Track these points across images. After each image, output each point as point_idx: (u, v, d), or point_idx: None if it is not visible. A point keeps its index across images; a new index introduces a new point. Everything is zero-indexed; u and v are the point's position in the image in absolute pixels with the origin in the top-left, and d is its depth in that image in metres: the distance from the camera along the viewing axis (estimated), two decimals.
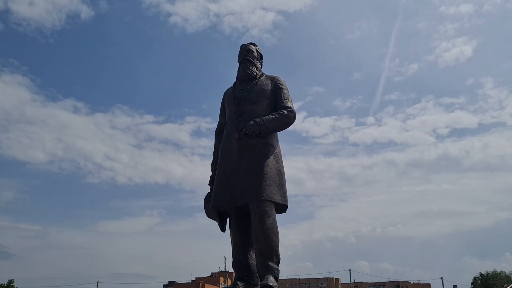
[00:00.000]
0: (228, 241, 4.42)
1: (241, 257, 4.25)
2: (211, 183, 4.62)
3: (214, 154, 4.77)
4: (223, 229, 4.46)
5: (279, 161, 4.36)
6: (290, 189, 4.36)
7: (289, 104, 4.48)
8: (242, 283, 4.08)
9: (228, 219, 4.47)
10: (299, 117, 4.55)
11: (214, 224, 4.51)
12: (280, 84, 4.61)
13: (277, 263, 4.00)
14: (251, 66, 4.70)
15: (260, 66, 4.86)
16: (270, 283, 3.77)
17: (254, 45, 4.93)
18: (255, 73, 4.67)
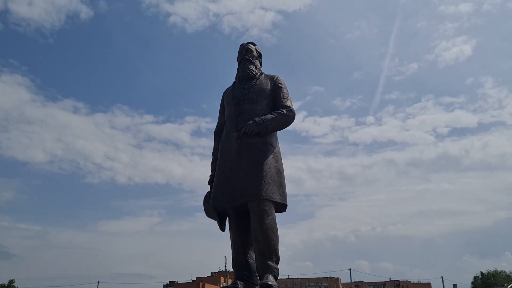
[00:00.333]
0: (229, 240, 4.43)
1: (240, 257, 4.25)
2: (210, 182, 4.62)
3: (213, 153, 4.77)
4: (222, 228, 4.46)
5: (278, 161, 4.36)
6: (290, 188, 4.37)
7: (288, 104, 4.48)
8: (241, 283, 4.08)
9: (227, 218, 4.47)
10: (298, 116, 4.55)
11: (214, 223, 4.51)
12: (279, 83, 4.61)
13: (277, 262, 4.01)
14: (250, 65, 4.70)
15: (259, 65, 4.87)
16: (269, 282, 3.77)
17: (254, 44, 4.93)
18: (254, 73, 4.67)
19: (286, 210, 4.36)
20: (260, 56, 4.96)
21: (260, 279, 3.93)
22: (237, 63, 4.89)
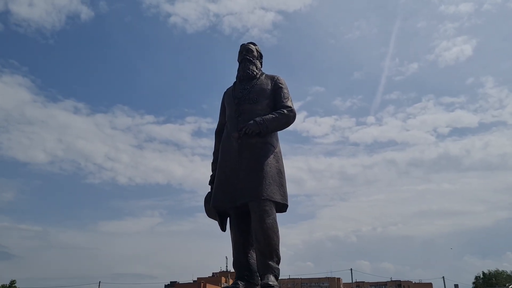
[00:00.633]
0: (229, 241, 4.42)
1: (241, 257, 4.25)
2: (211, 182, 4.62)
3: (214, 153, 4.77)
4: (223, 228, 4.46)
5: (279, 161, 4.36)
6: (290, 189, 4.37)
7: (289, 104, 4.48)
8: (242, 283, 4.08)
9: (228, 218, 4.47)
10: (299, 117, 4.54)
11: (215, 224, 4.51)
12: (280, 83, 4.61)
13: (278, 262, 4.00)
14: (251, 65, 4.70)
15: (260, 65, 4.86)
16: (270, 282, 3.77)
17: (254, 44, 4.93)
18: (255, 73, 4.67)
19: (287, 210, 4.36)
20: (260, 56, 4.95)
21: (261, 279, 3.92)
22: (237, 63, 4.89)
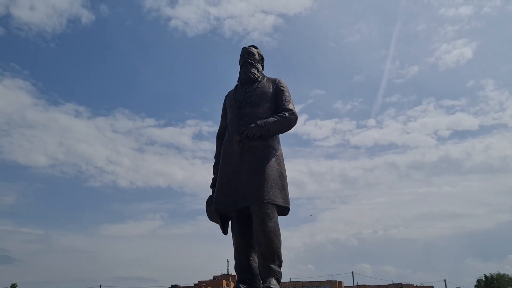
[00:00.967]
0: (231, 244, 4.41)
1: (243, 260, 4.24)
2: (212, 185, 4.62)
3: (215, 156, 4.77)
4: (225, 232, 4.45)
5: (281, 164, 4.35)
6: (291, 192, 4.34)
7: (290, 107, 4.48)
8: (244, 286, 4.07)
9: (230, 221, 4.46)
10: (300, 120, 4.55)
11: (217, 227, 4.50)
12: (281, 86, 4.61)
13: (279, 265, 3.99)
14: (252, 68, 4.70)
15: (261, 68, 4.86)
16: (272, 286, 3.76)
17: (255, 47, 4.93)
18: (256, 76, 4.67)
19: (289, 213, 4.35)
20: (262, 59, 4.95)
21: (263, 283, 3.91)
22: (238, 66, 4.90)
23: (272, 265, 3.92)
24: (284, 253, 4.06)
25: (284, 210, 4.26)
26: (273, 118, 4.32)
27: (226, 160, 4.40)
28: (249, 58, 4.76)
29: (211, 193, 4.60)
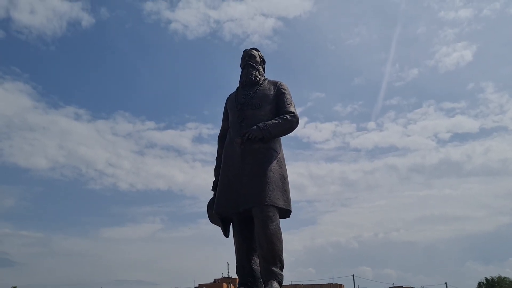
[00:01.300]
0: (231, 247, 4.41)
1: (244, 263, 4.23)
2: (214, 188, 4.62)
3: (217, 159, 4.77)
4: (226, 234, 4.45)
5: (282, 166, 4.35)
6: (292, 195, 4.34)
7: (292, 109, 4.48)
8: None
9: (231, 224, 4.45)
10: (300, 122, 4.54)
11: (217, 230, 4.49)
12: (282, 89, 4.61)
13: (281, 268, 3.98)
14: (254, 71, 4.71)
15: (262, 71, 4.86)
16: None
17: (257, 50, 4.94)
18: (257, 78, 4.67)
19: (290, 216, 4.34)
20: (263, 62, 4.95)
21: (264, 285, 3.91)
22: (239, 69, 4.91)
23: (273, 268, 3.91)
24: (285, 256, 4.05)
25: (285, 213, 4.25)
26: (274, 121, 4.32)
27: (227, 162, 4.40)
28: (250, 61, 4.77)
29: (212, 196, 4.60)
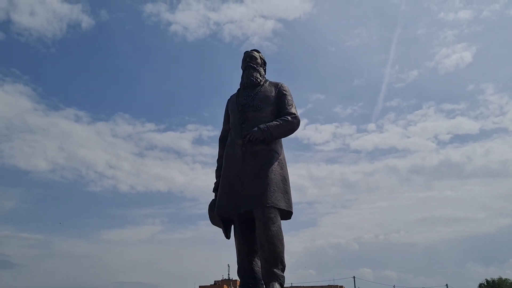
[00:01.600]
0: (232, 248, 4.40)
1: (245, 264, 4.22)
2: (215, 190, 4.61)
3: (218, 160, 4.76)
4: (227, 236, 4.44)
5: (283, 168, 4.34)
6: (292, 196, 4.33)
7: (293, 110, 4.47)
8: None
9: (232, 226, 4.44)
10: (300, 124, 4.54)
11: (217, 231, 4.48)
12: (284, 90, 4.60)
13: (283, 270, 3.97)
14: (255, 72, 4.70)
15: (263, 72, 4.86)
16: None
17: (258, 51, 4.93)
18: (258, 80, 4.67)
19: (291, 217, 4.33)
20: (264, 63, 4.95)
21: (266, 287, 3.89)
22: (239, 71, 4.90)
23: (275, 270, 3.90)
24: (285, 258, 4.04)
25: (287, 214, 4.25)
26: (275, 122, 4.31)
27: (228, 164, 4.39)
28: (251, 62, 4.77)
29: (213, 197, 4.59)
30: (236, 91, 4.85)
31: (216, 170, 4.74)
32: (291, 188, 4.32)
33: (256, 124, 4.30)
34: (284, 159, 4.45)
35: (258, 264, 4.17)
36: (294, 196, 4.31)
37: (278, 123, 4.32)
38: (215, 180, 4.68)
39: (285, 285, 3.98)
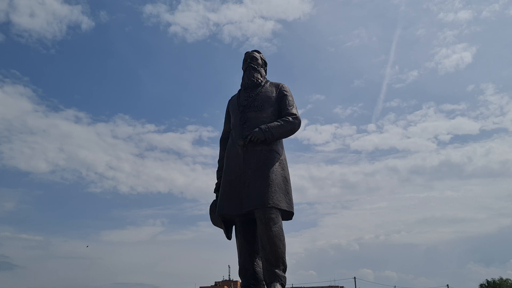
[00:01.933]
0: (232, 249, 4.39)
1: (247, 265, 4.21)
2: (216, 190, 4.60)
3: (219, 161, 4.75)
4: (229, 237, 4.43)
5: (284, 168, 4.33)
6: (293, 197, 4.32)
7: (294, 111, 4.46)
8: None
9: (234, 226, 4.44)
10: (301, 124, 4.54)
11: (217, 232, 4.47)
12: (284, 91, 4.59)
13: (284, 270, 3.96)
14: (256, 73, 4.69)
15: (264, 73, 4.85)
16: None
17: (259, 52, 4.93)
18: (259, 80, 4.66)
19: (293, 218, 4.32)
20: (265, 64, 4.94)
21: None
22: (239, 71, 4.90)
23: (276, 270, 3.89)
24: (286, 258, 4.03)
25: (288, 215, 4.24)
26: (276, 123, 4.30)
27: (229, 164, 4.38)
28: (252, 63, 4.76)
29: (214, 198, 4.58)
30: (236, 92, 4.85)
31: (217, 171, 4.73)
32: (292, 189, 4.31)
33: (257, 124, 4.29)
34: (285, 160, 4.44)
35: (259, 264, 4.16)
36: (295, 197, 4.30)
37: (279, 123, 4.31)
38: (216, 181, 4.67)
39: (286, 286, 3.97)
